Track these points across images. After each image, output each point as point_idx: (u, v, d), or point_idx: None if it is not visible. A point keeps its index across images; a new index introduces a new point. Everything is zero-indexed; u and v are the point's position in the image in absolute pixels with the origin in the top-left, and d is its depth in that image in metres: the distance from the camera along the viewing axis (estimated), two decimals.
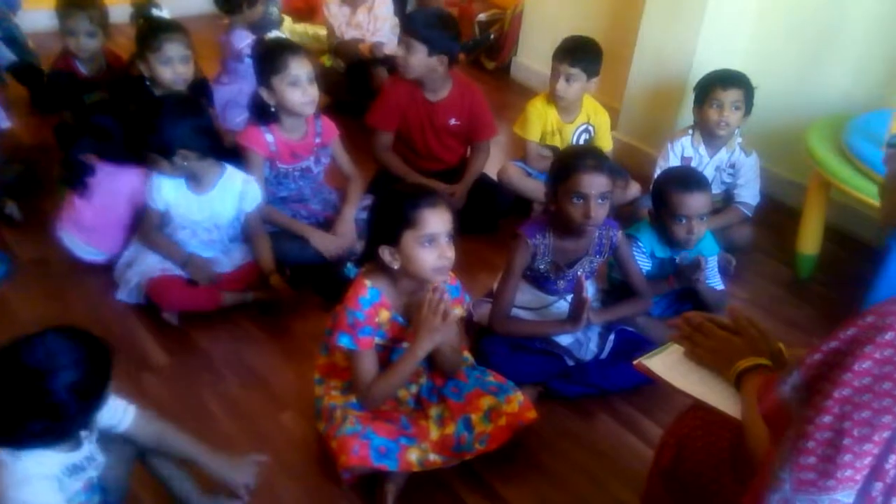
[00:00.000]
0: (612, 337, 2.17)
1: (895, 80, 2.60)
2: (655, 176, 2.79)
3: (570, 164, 2.03)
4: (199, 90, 2.88)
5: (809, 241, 2.72)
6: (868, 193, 2.30)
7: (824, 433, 0.93)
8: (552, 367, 2.11)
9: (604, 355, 2.16)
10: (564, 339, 2.15)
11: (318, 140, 2.54)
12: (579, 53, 2.83)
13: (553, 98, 2.90)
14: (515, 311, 2.16)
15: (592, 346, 2.17)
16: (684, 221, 2.24)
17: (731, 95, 2.69)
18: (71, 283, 2.43)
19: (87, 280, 2.44)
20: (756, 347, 1.31)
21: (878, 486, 0.91)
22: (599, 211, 2.00)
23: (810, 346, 1.35)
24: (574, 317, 2.05)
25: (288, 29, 4.08)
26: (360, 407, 1.79)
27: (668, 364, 1.37)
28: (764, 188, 2.86)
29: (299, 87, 2.36)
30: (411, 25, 2.71)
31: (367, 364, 1.75)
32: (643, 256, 2.32)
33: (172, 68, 2.65)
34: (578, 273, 2.12)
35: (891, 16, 2.75)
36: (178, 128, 2.18)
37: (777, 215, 3.01)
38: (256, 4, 3.35)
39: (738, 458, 1.26)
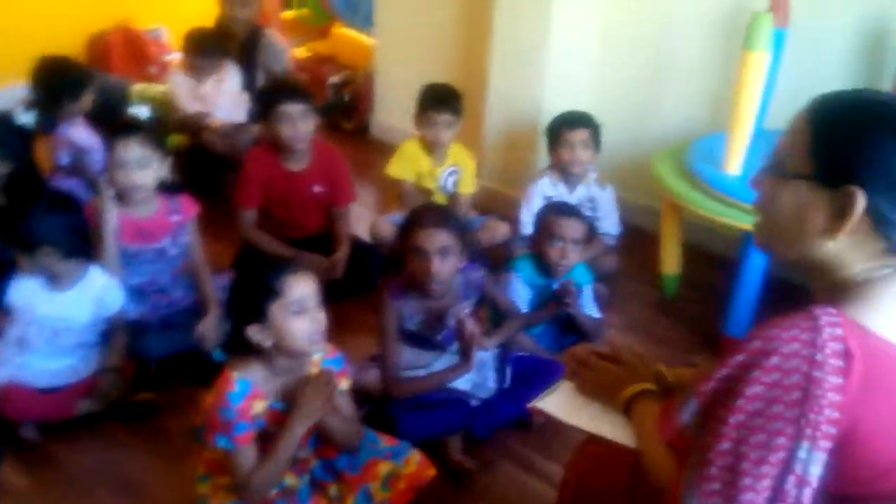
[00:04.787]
0: (509, 369, 2.21)
1: (723, 104, 2.82)
2: (522, 217, 2.90)
3: (410, 221, 2.05)
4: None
5: (670, 261, 2.86)
6: (712, 211, 2.45)
7: (725, 459, 0.95)
8: (461, 414, 2.08)
9: (507, 384, 2.19)
10: (462, 385, 2.14)
11: (176, 218, 2.39)
12: (451, 99, 2.95)
13: (431, 146, 2.96)
14: (405, 374, 2.12)
15: (491, 384, 2.18)
16: (560, 244, 2.39)
17: (580, 135, 2.82)
18: None
19: None
20: (637, 373, 1.35)
21: None
22: (442, 266, 2.00)
23: (690, 367, 1.40)
24: (464, 356, 2.05)
25: (142, 94, 3.90)
26: None
27: (560, 402, 1.39)
28: (623, 217, 3.00)
29: (123, 170, 2.23)
30: (302, 93, 2.72)
31: (246, 459, 1.64)
32: (522, 285, 2.45)
33: None
34: (457, 316, 2.13)
35: (712, 51, 3.00)
36: (45, 223, 2.04)
37: (638, 240, 3.15)
38: (81, 96, 3.02)
39: (636, 486, 1.28)
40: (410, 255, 2.01)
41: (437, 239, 1.99)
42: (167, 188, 2.37)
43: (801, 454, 0.91)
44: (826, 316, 0.94)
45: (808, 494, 0.92)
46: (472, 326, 2.01)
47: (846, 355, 0.92)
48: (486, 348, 2.14)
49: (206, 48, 3.54)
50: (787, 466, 0.92)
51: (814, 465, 0.91)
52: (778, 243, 1.08)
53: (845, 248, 1.00)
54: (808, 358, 0.92)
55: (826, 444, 0.91)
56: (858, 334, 0.94)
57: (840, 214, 0.98)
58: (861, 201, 0.96)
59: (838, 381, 0.91)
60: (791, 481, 0.92)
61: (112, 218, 2.25)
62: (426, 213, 2.07)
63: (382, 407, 2.06)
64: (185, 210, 2.42)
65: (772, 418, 0.92)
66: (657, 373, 1.35)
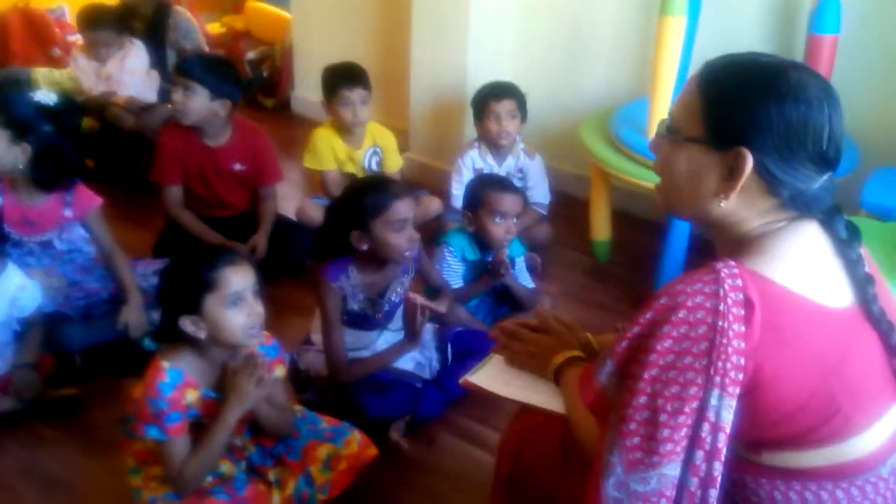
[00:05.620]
0: (449, 346, 2.21)
1: (644, 71, 2.86)
2: (452, 190, 2.88)
3: (381, 196, 1.97)
4: None
5: (600, 227, 2.90)
6: (637, 176, 2.49)
7: (643, 413, 0.98)
8: (415, 394, 2.09)
9: (450, 362, 2.20)
10: (407, 365, 2.13)
11: (67, 213, 2.25)
12: (360, 74, 2.86)
13: (346, 126, 2.87)
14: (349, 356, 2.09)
15: (435, 364, 2.19)
16: (502, 220, 2.37)
17: (506, 106, 2.81)
18: None
19: None
20: (565, 342, 1.38)
21: (700, 454, 0.96)
22: (414, 232, 2.03)
23: (616, 332, 1.43)
24: (411, 333, 2.05)
25: (46, 79, 3.69)
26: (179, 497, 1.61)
27: (491, 376, 1.41)
28: (553, 186, 3.02)
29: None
30: (191, 69, 2.59)
31: (179, 450, 1.58)
32: (455, 260, 2.43)
33: None
34: (399, 292, 2.11)
35: (634, 17, 3.02)
36: None
37: (569, 208, 3.17)
38: None
39: (568, 451, 1.31)
40: (387, 229, 1.95)
41: (410, 206, 1.99)
42: (65, 180, 2.23)
43: (713, 401, 0.95)
44: (726, 268, 0.98)
45: (722, 440, 0.96)
46: (421, 301, 2.01)
47: (747, 304, 0.96)
48: (441, 312, 2.13)
49: (100, 21, 3.38)
50: (701, 414, 0.96)
51: (725, 411, 0.96)
52: (677, 204, 1.12)
53: (739, 207, 1.04)
54: (712, 309, 0.96)
55: (735, 390, 0.95)
56: (758, 283, 0.98)
57: (731, 175, 1.02)
58: (749, 162, 1.00)
59: (741, 329, 0.95)
60: (706, 428, 0.96)
61: None
62: (390, 185, 2.05)
63: (338, 391, 2.04)
64: (80, 205, 2.27)
65: (683, 369, 0.96)
66: (584, 340, 1.39)
